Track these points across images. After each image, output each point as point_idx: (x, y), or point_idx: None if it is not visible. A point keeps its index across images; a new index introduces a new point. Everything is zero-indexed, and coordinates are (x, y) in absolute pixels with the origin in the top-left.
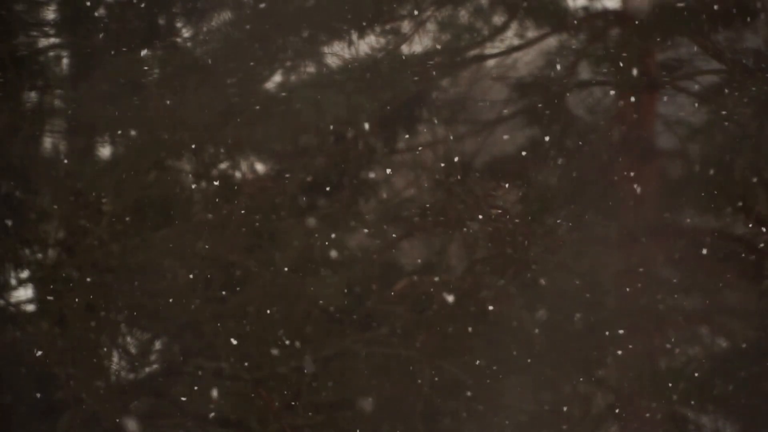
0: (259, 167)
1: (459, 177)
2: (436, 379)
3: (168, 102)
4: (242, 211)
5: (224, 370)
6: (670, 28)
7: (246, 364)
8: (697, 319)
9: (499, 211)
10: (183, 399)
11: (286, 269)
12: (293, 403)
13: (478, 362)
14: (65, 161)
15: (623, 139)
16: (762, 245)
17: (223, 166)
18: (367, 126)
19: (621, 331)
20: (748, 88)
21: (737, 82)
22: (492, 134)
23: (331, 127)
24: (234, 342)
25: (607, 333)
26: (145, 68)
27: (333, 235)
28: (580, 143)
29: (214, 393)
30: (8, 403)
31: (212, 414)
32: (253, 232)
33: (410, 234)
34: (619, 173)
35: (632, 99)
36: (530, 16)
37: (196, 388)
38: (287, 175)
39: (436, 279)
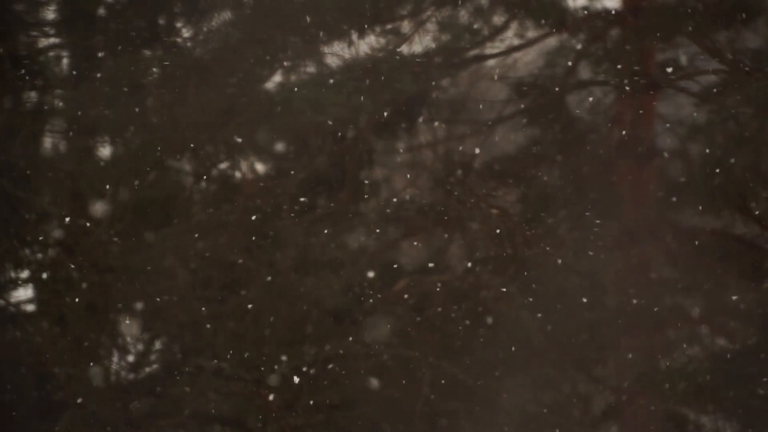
0: (259, 167)
1: (459, 177)
2: (437, 379)
3: (168, 102)
4: (242, 212)
5: (224, 370)
6: (670, 28)
7: (246, 364)
8: (697, 319)
9: (499, 211)
10: (183, 399)
11: (286, 269)
12: (293, 403)
13: (478, 362)
14: (65, 161)
15: (623, 139)
16: (762, 245)
17: (223, 166)
18: (366, 126)
19: (621, 331)
20: (748, 88)
21: (737, 82)
22: (492, 134)
23: (331, 125)
24: (234, 342)
25: (607, 333)
26: (145, 68)
27: (333, 235)
28: (580, 143)
29: (214, 393)
30: (8, 403)
31: (212, 414)
32: (253, 232)
33: (410, 234)
34: (619, 173)
35: (632, 99)
36: (530, 16)
37: (196, 388)
38: (287, 175)
39: (436, 279)
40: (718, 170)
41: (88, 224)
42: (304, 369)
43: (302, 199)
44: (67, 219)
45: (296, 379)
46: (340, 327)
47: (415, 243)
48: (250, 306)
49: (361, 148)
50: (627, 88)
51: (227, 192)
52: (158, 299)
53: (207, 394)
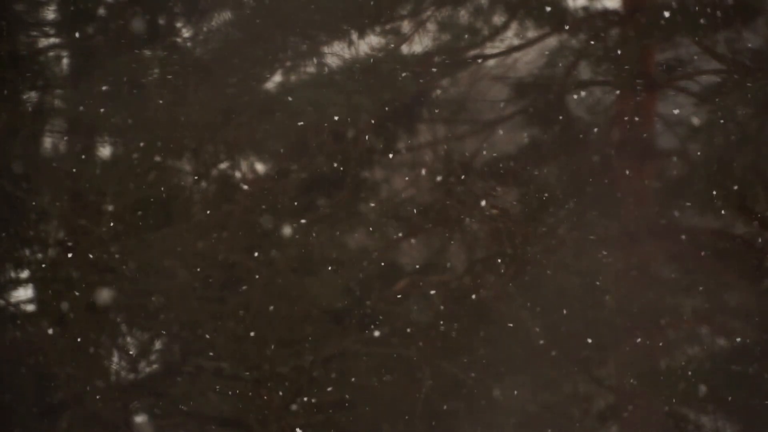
0: (259, 167)
1: (459, 177)
2: (436, 379)
3: (168, 102)
4: (242, 212)
5: (224, 370)
6: (670, 28)
7: (246, 364)
8: (697, 319)
9: (499, 210)
10: (183, 399)
11: (286, 269)
12: (293, 403)
13: (478, 362)
14: (65, 161)
15: (623, 139)
16: (762, 245)
17: (223, 166)
18: (366, 126)
19: (621, 331)
20: (748, 88)
21: (737, 82)
22: (492, 134)
23: (331, 125)
24: (234, 342)
25: (607, 333)
26: (145, 68)
27: (333, 235)
28: (580, 143)
29: (214, 393)
30: (8, 403)
31: (212, 414)
32: (253, 232)
33: (410, 234)
34: (619, 173)
35: (632, 99)
36: (530, 16)
37: (196, 388)
38: (287, 175)
39: (436, 279)
40: (718, 170)
41: (88, 224)
42: (304, 369)
43: (302, 198)
44: (67, 219)
45: (297, 379)
46: (340, 327)
47: (415, 243)
48: (250, 306)
49: (361, 148)
50: (627, 88)
51: (227, 192)
52: (158, 299)
53: (207, 394)
